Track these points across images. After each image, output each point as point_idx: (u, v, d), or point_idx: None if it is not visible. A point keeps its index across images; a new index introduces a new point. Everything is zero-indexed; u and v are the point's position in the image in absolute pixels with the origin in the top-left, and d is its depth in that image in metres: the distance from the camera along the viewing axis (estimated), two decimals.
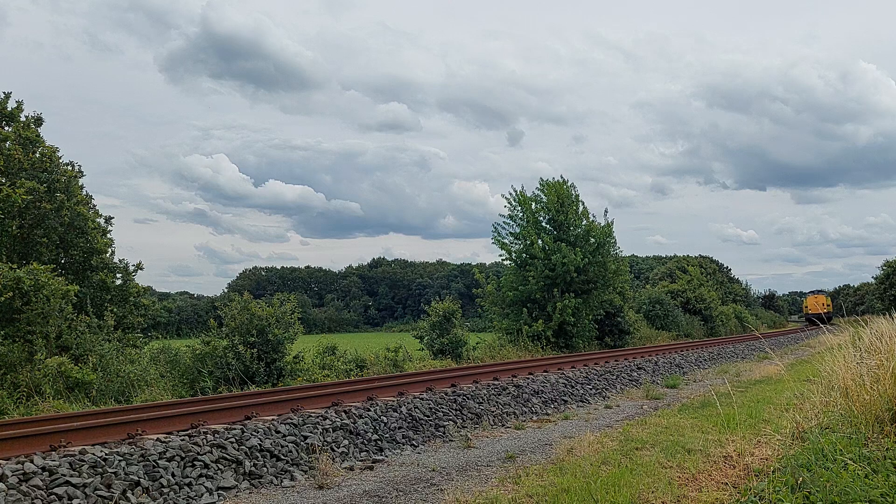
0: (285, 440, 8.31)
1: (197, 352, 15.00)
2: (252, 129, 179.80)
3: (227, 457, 7.52)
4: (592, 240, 27.76)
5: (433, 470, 7.92)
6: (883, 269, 61.30)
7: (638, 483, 6.41)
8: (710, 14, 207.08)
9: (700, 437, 8.78)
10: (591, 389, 14.98)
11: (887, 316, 12.40)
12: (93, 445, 7.24)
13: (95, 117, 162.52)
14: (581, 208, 28.47)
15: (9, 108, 17.19)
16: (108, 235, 18.14)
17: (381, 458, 8.77)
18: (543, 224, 28.23)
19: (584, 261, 26.50)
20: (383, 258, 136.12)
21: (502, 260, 28.89)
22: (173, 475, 6.93)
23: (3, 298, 12.87)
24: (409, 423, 10.05)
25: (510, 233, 28.25)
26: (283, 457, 7.98)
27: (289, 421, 8.82)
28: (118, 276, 17.96)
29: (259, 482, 7.42)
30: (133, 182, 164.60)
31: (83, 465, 6.59)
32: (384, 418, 9.82)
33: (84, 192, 17.98)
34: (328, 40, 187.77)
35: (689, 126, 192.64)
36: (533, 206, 28.09)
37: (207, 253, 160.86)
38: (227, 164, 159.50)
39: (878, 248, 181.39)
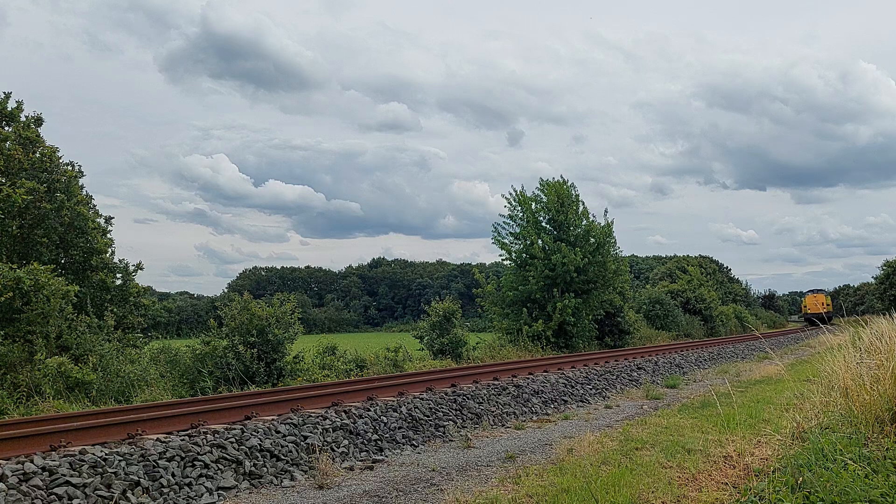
0: (285, 440, 8.31)
1: (197, 352, 15.00)
2: (252, 129, 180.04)
3: (227, 457, 7.52)
4: (592, 240, 27.76)
5: (433, 470, 7.91)
6: (883, 269, 61.22)
7: (638, 483, 6.41)
8: (710, 14, 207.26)
9: (700, 437, 8.78)
10: (591, 389, 14.98)
11: (887, 316, 12.40)
12: (93, 445, 7.25)
13: (95, 117, 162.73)
14: (581, 208, 28.48)
15: (9, 108, 17.18)
16: (108, 235, 18.14)
17: (381, 458, 8.77)
18: (543, 224, 28.22)
19: (584, 261, 26.50)
20: (383, 258, 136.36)
21: (502, 260, 28.92)
22: (173, 475, 6.93)
23: (3, 298, 12.87)
24: (409, 423, 10.05)
25: (510, 233, 28.27)
26: (283, 457, 7.98)
27: (289, 421, 8.83)
28: (118, 276, 17.96)
29: (259, 482, 7.42)
30: (133, 182, 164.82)
31: (83, 465, 6.60)
32: (384, 418, 9.82)
33: (84, 192, 17.98)
34: (328, 40, 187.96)
35: (689, 126, 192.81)
36: (533, 206, 28.09)
37: (207, 253, 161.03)
38: (227, 164, 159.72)
39: (878, 248, 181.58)
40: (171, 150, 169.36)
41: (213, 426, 8.37)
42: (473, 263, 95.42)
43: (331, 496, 6.92)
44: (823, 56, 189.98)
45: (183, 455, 7.25)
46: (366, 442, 9.14)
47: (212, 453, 7.46)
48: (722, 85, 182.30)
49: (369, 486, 7.29)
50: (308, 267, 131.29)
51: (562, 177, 31.33)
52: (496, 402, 12.09)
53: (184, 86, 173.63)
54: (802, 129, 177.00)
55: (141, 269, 18.53)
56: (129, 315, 17.63)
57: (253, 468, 7.55)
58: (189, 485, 6.93)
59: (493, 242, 28.54)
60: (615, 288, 28.30)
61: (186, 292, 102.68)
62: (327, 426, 9.01)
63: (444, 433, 10.16)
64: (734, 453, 7.51)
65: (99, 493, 6.31)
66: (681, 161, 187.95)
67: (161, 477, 6.79)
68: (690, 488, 6.32)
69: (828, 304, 66.95)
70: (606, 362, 19.10)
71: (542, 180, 28.87)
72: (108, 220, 18.51)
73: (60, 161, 17.42)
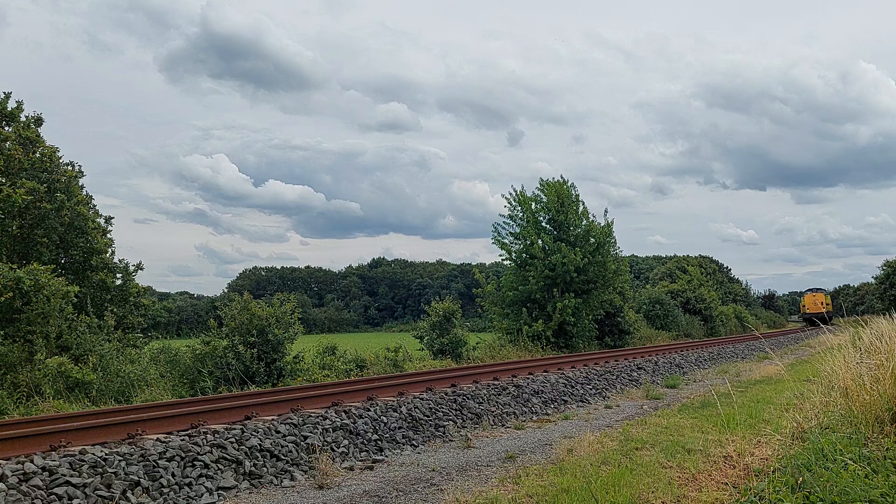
0: (285, 440, 8.31)
1: (197, 352, 15.00)
2: (252, 129, 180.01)
3: (227, 457, 7.52)
4: (592, 240, 27.76)
5: (433, 470, 7.92)
6: (883, 269, 61.11)
7: (638, 483, 6.41)
8: (710, 14, 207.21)
9: (700, 437, 8.78)
10: (591, 389, 14.98)
11: (887, 316, 12.40)
12: (93, 445, 7.25)
13: (95, 117, 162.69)
14: (581, 208, 28.48)
15: (9, 108, 17.18)
16: (108, 235, 18.13)
17: (381, 458, 8.77)
18: (543, 224, 28.23)
19: (584, 261, 26.50)
20: (383, 258, 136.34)
21: (502, 260, 28.91)
22: (173, 475, 6.93)
23: (3, 298, 12.87)
24: (409, 423, 10.05)
25: (510, 233, 28.27)
26: (283, 457, 7.98)
27: (289, 421, 8.83)
28: (118, 276, 17.96)
29: (259, 482, 7.43)
30: (133, 182, 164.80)
31: (83, 465, 6.60)
32: (384, 418, 9.82)
33: (84, 192, 17.97)
34: (328, 40, 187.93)
35: (689, 126, 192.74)
36: (533, 206, 28.09)
37: (207, 253, 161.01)
38: (226, 164, 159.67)
39: (878, 248, 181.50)
40: (171, 150, 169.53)
41: (213, 426, 8.37)
42: (473, 263, 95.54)
43: (331, 496, 6.92)
44: (823, 56, 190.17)
45: (183, 455, 7.25)
46: (366, 442, 9.14)
47: (212, 453, 7.46)
48: (722, 85, 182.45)
49: (369, 486, 7.29)
50: (308, 267, 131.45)
51: (562, 177, 31.37)
52: (496, 402, 12.10)
53: (184, 86, 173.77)
54: (802, 129, 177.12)
55: (141, 269, 18.53)
56: (129, 315, 17.63)
57: (253, 468, 7.55)
58: (189, 485, 6.93)
59: (493, 242, 28.58)
60: (615, 288, 28.30)
61: (186, 292, 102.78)
62: (327, 426, 9.01)
63: (444, 433, 10.16)
64: (734, 453, 7.51)
65: (99, 493, 6.31)
66: (681, 161, 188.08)
67: (161, 477, 6.79)
68: (690, 488, 6.32)
69: (827, 304, 65.33)
70: (606, 362, 19.10)
71: (542, 180, 28.90)
72: (108, 220, 18.52)
73: (60, 161, 17.42)
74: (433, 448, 9.39)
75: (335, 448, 8.65)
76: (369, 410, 9.90)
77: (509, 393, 12.79)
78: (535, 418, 11.94)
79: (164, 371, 14.35)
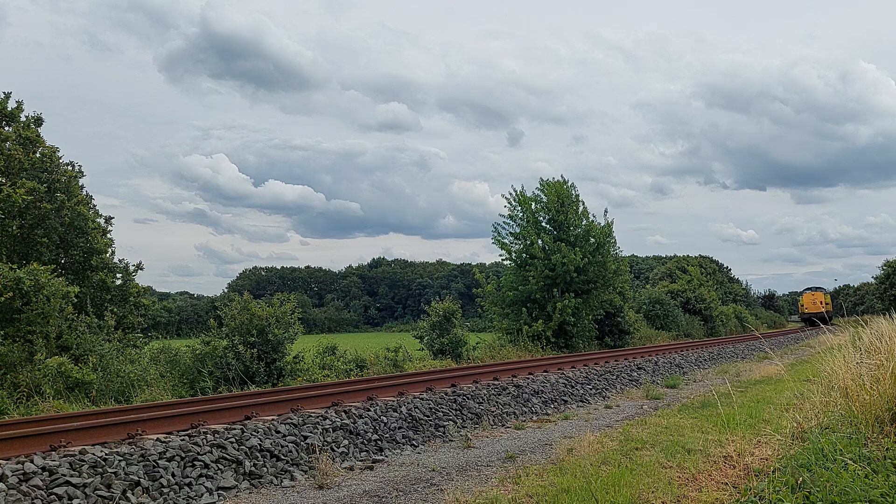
0: (285, 440, 8.31)
1: (197, 352, 15.00)
2: (252, 129, 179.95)
3: (227, 457, 7.52)
4: (592, 240, 27.77)
5: (433, 470, 7.92)
6: (883, 269, 60.98)
7: (638, 483, 6.41)
8: (710, 14, 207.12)
9: (700, 437, 8.78)
10: (591, 389, 14.99)
11: (887, 316, 12.40)
12: (93, 445, 7.25)
13: (95, 117, 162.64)
14: (581, 208, 28.49)
15: (9, 108, 17.18)
16: (108, 235, 18.12)
17: (381, 458, 8.77)
18: (543, 224, 28.23)
19: (584, 261, 26.50)
20: (383, 258, 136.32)
21: (502, 260, 28.92)
22: (173, 475, 6.93)
23: (3, 298, 12.87)
24: (409, 423, 10.05)
25: (510, 233, 28.28)
26: (283, 457, 7.98)
27: (289, 421, 8.83)
28: (118, 276, 17.95)
29: (259, 482, 7.43)
30: (133, 182, 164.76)
31: (83, 465, 6.60)
32: (384, 418, 9.82)
33: (84, 192, 17.95)
34: (328, 40, 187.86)
35: (689, 126, 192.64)
36: (533, 206, 28.10)
37: (207, 253, 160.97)
38: (226, 164, 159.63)
39: (878, 248, 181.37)
40: (171, 150, 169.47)
41: (213, 426, 8.37)
42: (473, 263, 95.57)
43: (331, 496, 6.92)
44: (823, 56, 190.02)
45: (183, 455, 7.25)
46: (366, 442, 9.14)
47: (212, 453, 7.46)
48: (722, 85, 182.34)
49: (369, 486, 7.29)
50: (308, 267, 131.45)
51: (562, 177, 31.38)
52: (496, 402, 12.10)
53: (184, 86, 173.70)
54: (802, 129, 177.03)
55: (141, 269, 18.52)
56: (129, 315, 17.63)
57: (253, 468, 7.55)
58: (189, 485, 6.93)
59: (493, 242, 28.58)
60: (615, 288, 28.30)
61: (186, 292, 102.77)
62: (327, 426, 9.01)
63: (444, 433, 10.16)
64: (734, 453, 7.51)
65: (99, 493, 6.31)
66: (681, 161, 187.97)
67: (161, 477, 6.79)
68: (690, 488, 6.32)
69: (827, 303, 63.67)
70: (606, 362, 19.10)
71: (542, 180, 28.91)
72: (108, 220, 18.51)
73: (60, 161, 17.41)
74: (433, 448, 9.39)
75: (335, 448, 8.65)
76: (369, 410, 9.90)
77: (509, 393, 12.79)
78: (535, 418, 11.94)
79: (164, 371, 14.35)
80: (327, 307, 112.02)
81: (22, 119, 17.32)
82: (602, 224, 28.51)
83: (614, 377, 16.85)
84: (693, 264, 57.64)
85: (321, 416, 9.28)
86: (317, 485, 7.34)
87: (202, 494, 6.86)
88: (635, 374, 18.07)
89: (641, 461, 7.50)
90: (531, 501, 6.17)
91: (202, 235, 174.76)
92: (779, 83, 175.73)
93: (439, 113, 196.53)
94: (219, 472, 7.28)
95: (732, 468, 7.01)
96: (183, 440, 7.59)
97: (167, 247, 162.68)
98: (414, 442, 9.59)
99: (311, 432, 8.70)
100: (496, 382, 13.40)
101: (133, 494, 6.48)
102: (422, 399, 11.06)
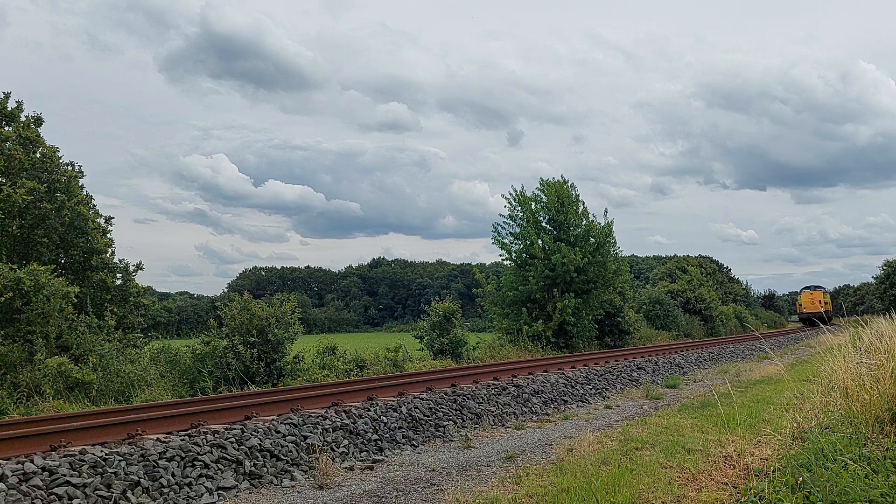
0: (285, 440, 8.32)
1: (197, 352, 15.00)
2: (252, 129, 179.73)
3: (227, 457, 7.52)
4: (592, 240, 27.78)
5: (433, 470, 7.92)
6: (883, 269, 60.87)
7: (638, 483, 6.41)
8: (710, 14, 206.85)
9: (700, 437, 8.78)
10: (591, 389, 14.99)
11: (887, 316, 12.40)
12: (93, 445, 7.25)
13: (95, 117, 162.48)
14: (581, 208, 28.50)
15: (9, 108, 17.18)
16: (108, 235, 18.12)
17: (381, 458, 8.77)
18: (543, 224, 28.24)
19: (584, 261, 26.51)
20: (383, 258, 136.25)
21: (502, 260, 28.92)
22: (173, 475, 6.93)
23: (3, 299, 12.87)
24: (409, 423, 10.05)
25: (510, 233, 28.28)
26: (283, 457, 7.98)
27: (289, 421, 8.83)
28: (118, 276, 17.96)
29: (259, 482, 7.43)
30: (133, 182, 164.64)
31: (83, 465, 6.60)
32: (384, 418, 9.82)
33: (84, 192, 17.96)
34: (328, 40, 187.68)
35: (689, 126, 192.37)
36: (533, 206, 28.10)
37: (207, 253, 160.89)
38: (226, 164, 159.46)
39: (878, 248, 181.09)
40: (171, 150, 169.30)
41: (213, 426, 8.37)
42: (473, 263, 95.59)
43: (331, 496, 6.93)
44: (823, 56, 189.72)
45: (183, 455, 7.26)
46: (366, 442, 9.14)
47: (212, 453, 7.46)
48: (722, 85, 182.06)
49: (369, 486, 7.29)
50: (308, 267, 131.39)
51: (562, 177, 31.38)
52: (496, 402, 12.10)
53: (184, 86, 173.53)
54: (802, 129, 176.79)
55: (141, 269, 18.52)
56: (129, 315, 17.63)
57: (253, 468, 7.55)
58: (189, 485, 6.93)
59: (493, 242, 28.58)
60: (615, 288, 28.30)
61: (186, 292, 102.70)
62: (327, 426, 9.01)
63: (444, 433, 10.16)
64: (734, 453, 7.51)
65: (99, 493, 6.31)
66: (681, 161, 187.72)
67: (161, 477, 6.80)
68: (690, 488, 6.32)
69: (826, 302, 61.46)
70: (606, 362, 19.10)
71: (542, 180, 28.91)
72: (108, 220, 18.51)
73: (60, 161, 17.42)
74: (433, 448, 9.39)
75: (335, 448, 8.65)
76: (369, 410, 9.90)
77: (509, 393, 12.79)
78: (535, 418, 11.94)
79: (164, 371, 14.35)
80: (327, 307, 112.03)
81: (22, 119, 17.32)
82: (602, 224, 28.53)
83: (614, 377, 16.85)
84: (693, 264, 57.65)
85: (321, 416, 9.29)
86: (317, 485, 7.34)
87: (202, 494, 6.87)
88: (635, 374, 18.07)
89: (641, 461, 7.50)
90: (531, 501, 6.17)
91: (202, 235, 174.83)
92: (779, 83, 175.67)
93: (439, 113, 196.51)
94: (219, 472, 7.28)
95: (732, 468, 7.01)
96: (183, 440, 7.59)
97: (167, 247, 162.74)
98: (414, 442, 9.59)
99: (311, 432, 8.70)
100: (496, 382, 13.40)
101: (133, 494, 6.48)
102: (422, 399, 11.06)
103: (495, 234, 28.32)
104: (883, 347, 7.96)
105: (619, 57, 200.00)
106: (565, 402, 13.60)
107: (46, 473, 6.34)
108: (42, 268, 13.74)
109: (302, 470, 7.88)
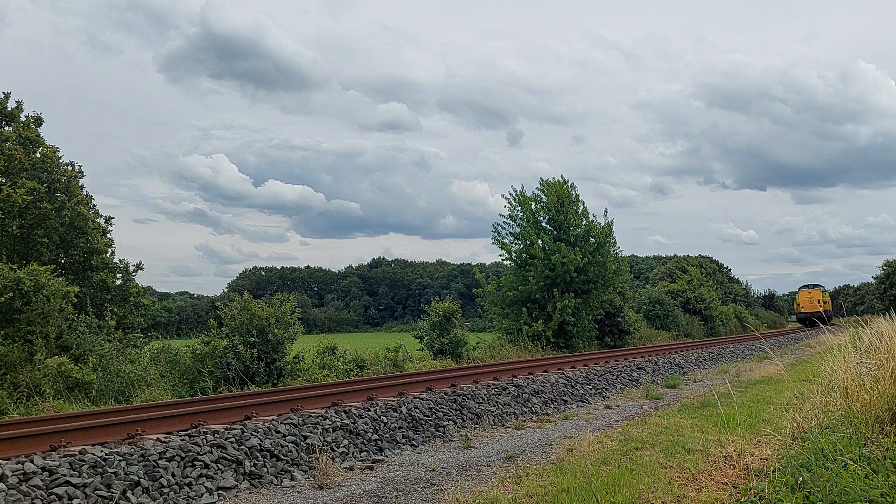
0: (285, 440, 8.32)
1: (197, 352, 15.00)
2: (252, 129, 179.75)
3: (227, 457, 7.52)
4: (592, 240, 27.78)
5: (433, 470, 7.92)
6: (883, 269, 60.78)
7: (638, 483, 6.41)
8: (710, 14, 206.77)
9: (700, 437, 8.78)
10: (591, 389, 14.99)
11: (887, 316, 12.40)
12: (93, 445, 7.25)
13: (95, 117, 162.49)
14: (581, 208, 28.50)
15: (9, 108, 17.19)
16: (108, 235, 18.13)
17: (381, 458, 8.77)
18: (543, 224, 28.24)
19: (584, 261, 26.51)
20: (383, 258, 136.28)
21: (502, 260, 28.92)
22: (173, 475, 6.93)
23: (3, 299, 12.87)
24: (409, 423, 10.05)
25: (510, 233, 28.29)
26: (283, 457, 7.98)
27: (289, 421, 8.83)
28: (118, 276, 17.96)
29: (259, 482, 7.43)
30: (133, 182, 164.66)
31: (83, 465, 6.60)
32: (384, 418, 9.82)
33: (84, 192, 17.97)
34: (328, 40, 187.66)
35: (689, 126, 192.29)
36: (533, 206, 28.11)
37: (207, 253, 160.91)
38: (226, 164, 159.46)
39: (878, 248, 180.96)
40: (171, 150, 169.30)
41: (213, 426, 8.37)
42: (473, 263, 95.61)
43: (331, 496, 6.93)
44: (823, 56, 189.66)
45: (183, 455, 7.26)
46: (366, 442, 9.14)
47: (212, 453, 7.46)
48: (722, 85, 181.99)
49: (369, 486, 7.29)
50: (308, 267, 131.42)
51: (562, 177, 31.40)
52: (496, 402, 12.10)
53: (184, 86, 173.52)
54: (802, 129, 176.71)
55: (141, 269, 18.53)
56: (129, 315, 17.63)
57: (253, 468, 7.55)
58: (189, 485, 6.93)
59: (493, 242, 28.59)
60: (615, 288, 28.31)
61: (186, 292, 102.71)
62: (327, 426, 9.01)
63: (444, 433, 10.16)
64: (734, 453, 7.51)
65: (99, 493, 6.31)
66: (681, 161, 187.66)
67: (161, 477, 6.80)
68: (690, 488, 6.32)
69: (826, 301, 59.52)
70: (606, 362, 19.10)
71: (542, 180, 28.91)
72: (108, 220, 18.52)
73: (60, 161, 17.42)
74: (433, 448, 9.39)
75: (335, 448, 8.65)
76: (369, 410, 9.90)
77: (509, 393, 12.79)
78: (535, 418, 11.94)
79: (164, 371, 14.35)
80: (327, 307, 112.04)
81: (22, 119, 17.33)
82: (602, 224, 28.53)
83: (614, 377, 16.85)
84: (693, 264, 57.63)
85: (321, 416, 9.29)
86: (317, 485, 7.34)
87: (202, 494, 6.87)
88: (635, 374, 18.07)
89: (641, 461, 7.50)
90: (531, 501, 6.17)
91: (202, 235, 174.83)
92: (779, 83, 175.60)
93: (439, 113, 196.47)
94: (219, 472, 7.28)
95: (732, 468, 7.01)
96: (183, 440, 7.59)
97: (167, 247, 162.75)
98: (414, 442, 9.59)
99: (311, 432, 8.70)
100: (496, 382, 13.40)
101: (133, 494, 6.48)
102: (422, 399, 11.06)
103: (495, 234, 28.36)
104: (883, 347, 7.96)
105: (619, 57, 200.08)
106: (565, 402, 13.60)
107: (46, 473, 6.34)
108: (42, 268, 13.74)
109: (302, 470, 7.88)
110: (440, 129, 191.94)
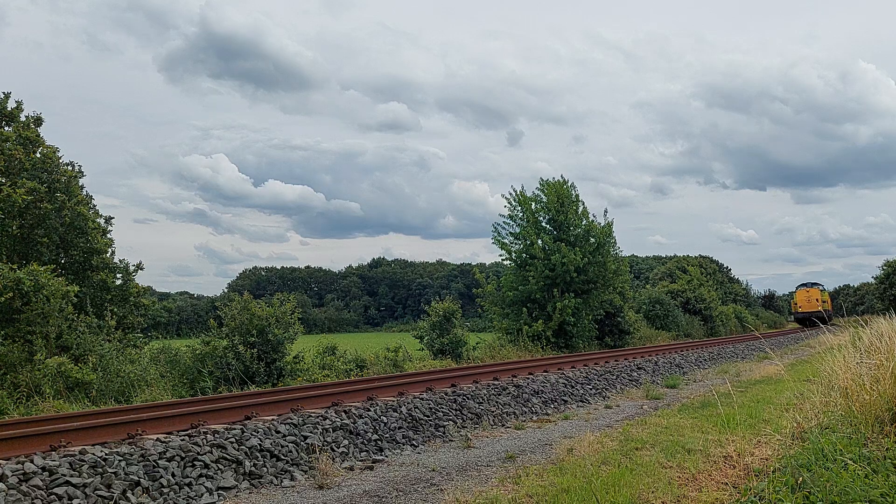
0: (285, 440, 8.32)
1: (197, 352, 15.00)
2: (252, 129, 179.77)
3: (227, 457, 7.52)
4: (592, 240, 27.78)
5: (433, 470, 7.92)
6: (883, 269, 60.81)
7: (638, 483, 6.41)
8: (710, 14, 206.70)
9: (700, 437, 8.78)
10: (591, 389, 14.99)
11: (887, 316, 12.40)
12: (93, 445, 7.25)
13: (95, 117, 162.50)
14: (581, 208, 28.50)
15: (9, 108, 17.19)
16: (108, 235, 18.14)
17: (381, 458, 8.77)
18: (543, 224, 28.24)
19: (584, 261, 26.51)
20: (383, 258, 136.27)
21: (502, 260, 28.92)
22: (173, 475, 6.93)
23: (3, 299, 12.87)
24: (409, 423, 10.05)
25: (510, 233, 28.29)
26: (283, 457, 7.98)
27: (289, 421, 8.83)
28: (118, 276, 17.97)
29: (259, 482, 7.43)
30: (133, 182, 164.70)
31: (83, 465, 6.60)
32: (384, 418, 9.82)
33: (84, 192, 17.97)
34: (328, 40, 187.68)
35: (689, 126, 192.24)
36: (533, 206, 28.11)
37: (207, 253, 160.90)
38: (226, 164, 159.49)
39: (878, 248, 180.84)
40: (171, 150, 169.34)
41: (213, 426, 8.37)
42: (473, 263, 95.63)
43: (331, 496, 6.93)
44: (823, 56, 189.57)
45: (183, 455, 7.26)
46: (366, 442, 9.14)
47: (212, 453, 7.46)
48: (722, 85, 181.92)
49: (369, 486, 7.29)
50: (308, 267, 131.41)
51: (562, 177, 31.40)
52: (496, 402, 12.10)
53: (183, 86, 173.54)
54: (802, 129, 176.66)
55: (141, 269, 18.53)
56: (130, 315, 17.64)
57: (253, 468, 7.55)
58: (189, 485, 6.93)
59: (493, 242, 28.59)
60: (615, 288, 28.31)
61: (186, 292, 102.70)
62: (327, 426, 9.01)
63: (444, 433, 10.16)
64: (734, 453, 7.51)
65: (99, 493, 6.31)
66: (681, 161, 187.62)
67: (161, 477, 6.80)
68: (690, 488, 6.32)
69: (825, 301, 57.44)
70: (606, 362, 19.10)
71: (542, 180, 28.92)
72: (109, 220, 18.52)
73: (60, 161, 17.42)
74: (433, 448, 9.39)
75: (335, 448, 8.65)
76: (369, 410, 9.90)
77: (509, 393, 12.79)
78: (535, 418, 11.94)
79: (164, 371, 14.35)
80: (327, 307, 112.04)
81: (22, 119, 17.33)
82: (602, 224, 28.53)
83: (614, 377, 16.85)
84: (693, 264, 57.62)
85: (321, 416, 9.28)
86: (317, 485, 7.34)
87: (202, 494, 6.87)
88: (635, 374, 18.07)
89: (641, 461, 7.50)
90: (531, 501, 6.17)
91: (202, 235, 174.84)
92: (779, 83, 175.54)
93: (439, 113, 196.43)
94: (219, 472, 7.28)
95: (732, 468, 7.01)
96: (183, 440, 7.59)
97: (167, 247, 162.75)
98: (414, 442, 9.59)
99: (311, 432, 8.70)
100: (496, 382, 13.40)
101: (133, 494, 6.48)
102: (422, 399, 11.06)
103: (495, 234, 28.36)
104: (883, 347, 7.96)
105: (619, 57, 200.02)
106: (565, 402, 13.59)
107: (46, 473, 6.34)
108: (42, 268, 13.74)
109: (302, 470, 7.88)
110: (440, 129, 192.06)
